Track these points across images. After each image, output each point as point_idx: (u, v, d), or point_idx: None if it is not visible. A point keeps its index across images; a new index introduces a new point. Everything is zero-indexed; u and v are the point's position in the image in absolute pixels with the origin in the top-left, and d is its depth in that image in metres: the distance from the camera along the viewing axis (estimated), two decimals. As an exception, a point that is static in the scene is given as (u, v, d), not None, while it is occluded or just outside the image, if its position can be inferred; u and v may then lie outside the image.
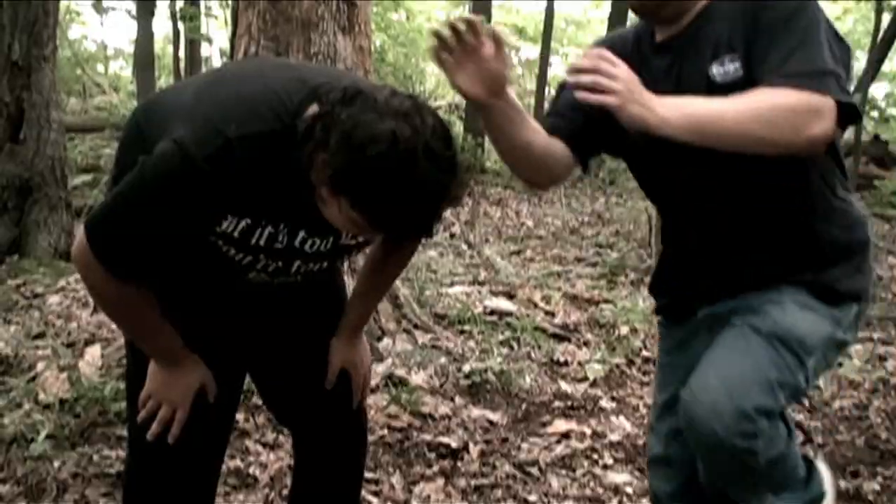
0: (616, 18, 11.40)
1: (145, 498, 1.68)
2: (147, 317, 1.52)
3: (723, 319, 1.65)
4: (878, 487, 2.68)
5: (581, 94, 1.44)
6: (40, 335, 3.51)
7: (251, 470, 2.52)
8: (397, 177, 1.22)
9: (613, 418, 3.17)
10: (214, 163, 1.32)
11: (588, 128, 1.67)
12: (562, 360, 3.77)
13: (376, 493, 2.46)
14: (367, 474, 2.21)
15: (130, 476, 1.72)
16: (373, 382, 2.84)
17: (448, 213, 1.42)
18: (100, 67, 17.38)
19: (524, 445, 2.88)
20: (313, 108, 1.32)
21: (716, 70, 1.54)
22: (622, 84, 1.43)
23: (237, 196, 1.37)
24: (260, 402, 2.77)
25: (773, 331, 1.57)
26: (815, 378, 1.67)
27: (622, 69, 1.44)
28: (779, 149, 1.46)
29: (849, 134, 11.14)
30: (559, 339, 4.08)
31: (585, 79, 1.43)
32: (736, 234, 1.64)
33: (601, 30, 15.42)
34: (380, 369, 3.19)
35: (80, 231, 1.44)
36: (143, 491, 1.68)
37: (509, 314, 4.26)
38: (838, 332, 1.64)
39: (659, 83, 1.53)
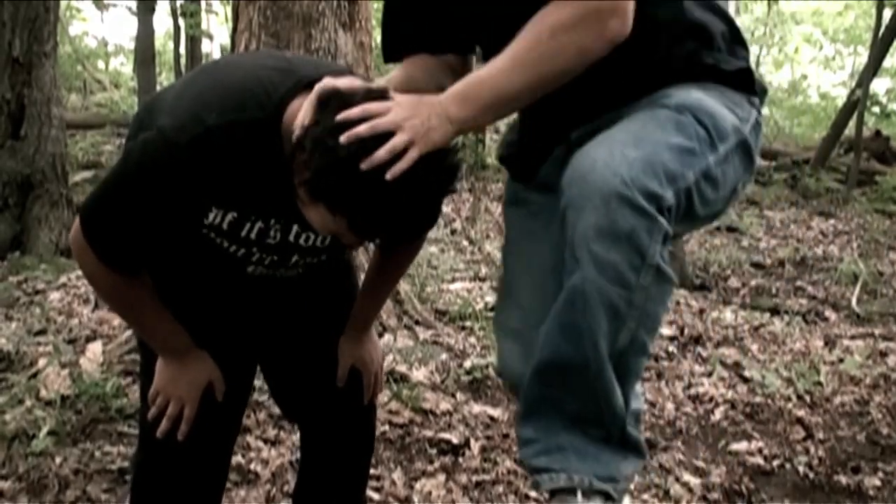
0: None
1: (153, 493, 1.68)
2: (143, 306, 1.52)
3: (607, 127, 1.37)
4: (878, 483, 2.68)
5: (368, 163, 1.17)
6: (42, 332, 3.51)
7: (252, 466, 2.52)
8: (373, 180, 1.19)
9: (614, 414, 3.17)
10: (193, 150, 1.31)
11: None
12: (563, 356, 3.77)
13: (377, 489, 2.46)
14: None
15: (138, 471, 1.73)
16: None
17: (449, 209, 1.39)
18: (100, 64, 17.36)
19: (525, 441, 2.88)
20: (298, 102, 1.31)
21: None
22: (396, 114, 1.22)
23: (219, 187, 1.36)
24: (261, 398, 2.78)
25: (680, 103, 1.33)
26: (724, 184, 1.38)
27: (384, 104, 1.24)
28: (581, 67, 1.28)
29: (849, 130, 11.14)
30: (560, 335, 4.07)
31: (362, 129, 1.19)
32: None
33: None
34: (381, 365, 3.19)
35: (76, 219, 1.45)
36: (151, 486, 1.69)
37: (510, 310, 4.26)
38: (745, 127, 1.41)
39: None
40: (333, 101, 1.24)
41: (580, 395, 1.27)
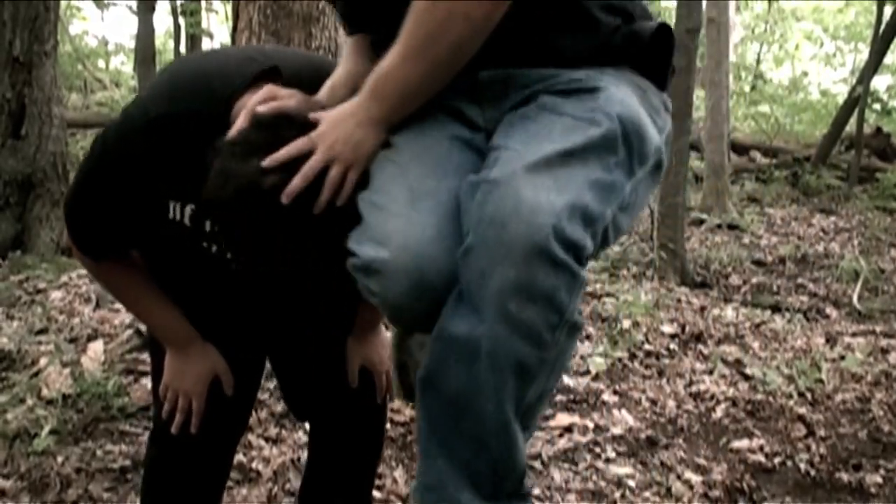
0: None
1: (164, 487, 1.70)
2: (133, 291, 1.56)
3: (518, 90, 1.28)
4: (880, 480, 2.68)
5: (290, 190, 1.15)
6: (43, 331, 3.52)
7: (254, 464, 2.52)
8: (244, 227, 1.20)
9: (616, 412, 3.17)
10: (140, 140, 1.33)
11: None
12: (564, 353, 3.77)
13: (379, 488, 2.46)
14: (370, 468, 2.21)
15: (149, 467, 1.76)
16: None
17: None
18: (101, 63, 17.36)
19: (526, 439, 2.88)
20: (247, 98, 1.30)
21: None
22: (322, 148, 1.18)
23: (171, 176, 1.37)
24: (261, 397, 2.78)
25: (615, 113, 1.22)
26: (634, 207, 1.29)
27: (307, 141, 1.19)
28: (479, 34, 1.20)
29: (850, 127, 11.14)
30: (561, 332, 4.07)
31: (296, 184, 1.16)
32: None
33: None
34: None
35: None
36: (161, 480, 1.71)
37: (511, 308, 4.25)
38: (662, 142, 1.31)
39: None
40: (261, 131, 1.21)
41: (474, 449, 1.17)
